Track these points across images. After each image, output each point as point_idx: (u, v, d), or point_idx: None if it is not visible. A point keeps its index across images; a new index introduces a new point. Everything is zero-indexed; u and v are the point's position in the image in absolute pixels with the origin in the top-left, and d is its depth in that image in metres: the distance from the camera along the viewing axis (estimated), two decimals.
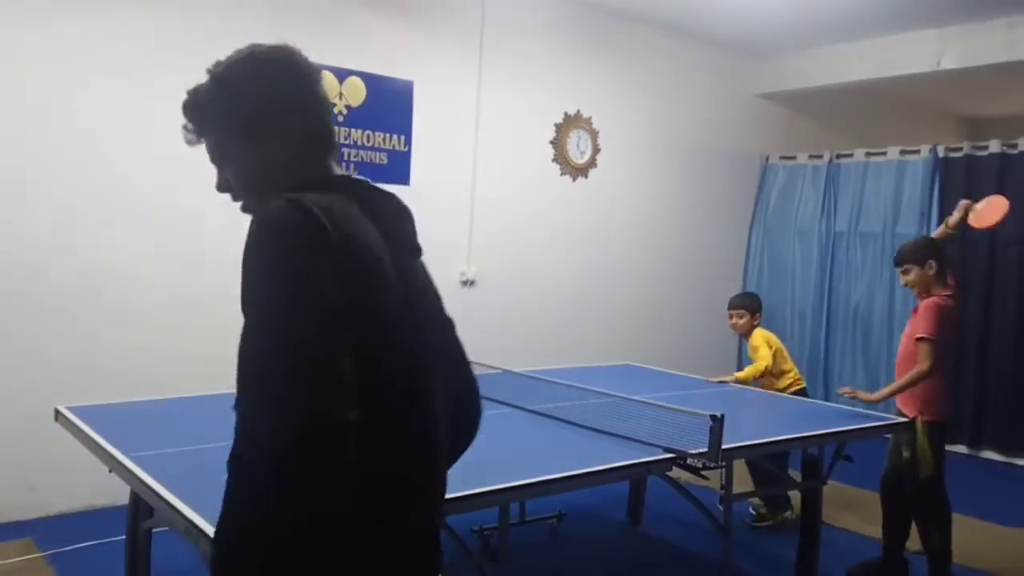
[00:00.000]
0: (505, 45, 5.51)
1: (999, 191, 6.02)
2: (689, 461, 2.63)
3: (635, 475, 3.40)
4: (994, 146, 6.13)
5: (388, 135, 5.02)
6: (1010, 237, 5.96)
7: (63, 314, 4.09)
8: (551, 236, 5.92)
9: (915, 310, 3.66)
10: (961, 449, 6.16)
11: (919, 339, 3.51)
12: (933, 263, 3.59)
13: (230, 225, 4.78)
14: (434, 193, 5.27)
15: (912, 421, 3.58)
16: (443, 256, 5.38)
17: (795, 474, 3.70)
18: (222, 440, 2.60)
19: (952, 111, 9.30)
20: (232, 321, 4.64)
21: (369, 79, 4.91)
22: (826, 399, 6.61)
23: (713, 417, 2.61)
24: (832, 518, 4.22)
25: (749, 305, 4.63)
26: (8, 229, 3.91)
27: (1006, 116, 8.96)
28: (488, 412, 3.25)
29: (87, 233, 4.10)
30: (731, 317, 4.62)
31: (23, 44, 3.88)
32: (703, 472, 2.65)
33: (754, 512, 4.38)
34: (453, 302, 5.80)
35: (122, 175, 4.18)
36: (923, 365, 3.50)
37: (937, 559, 3.65)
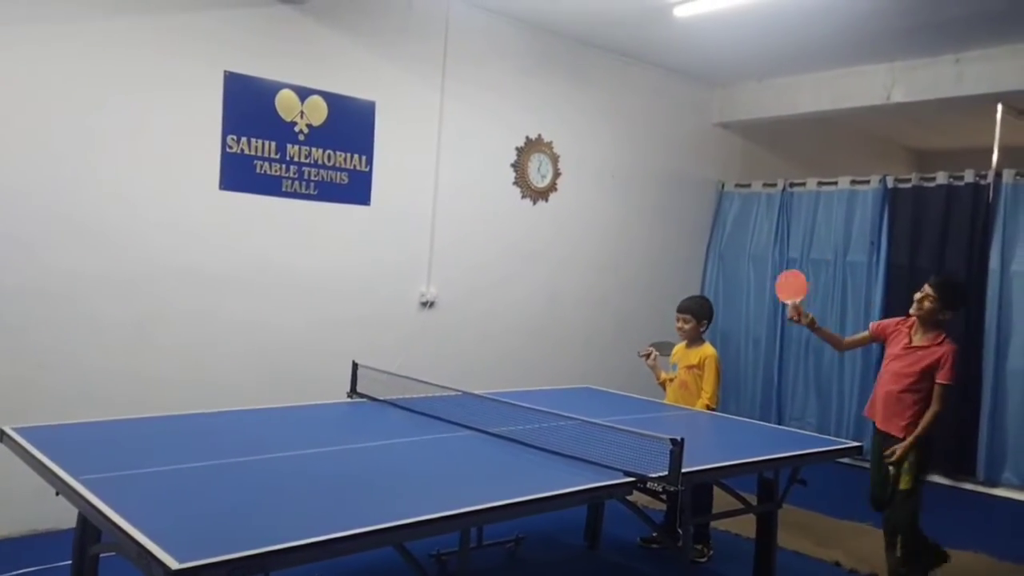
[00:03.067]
0: (468, 68, 5.54)
1: (945, 221, 6.24)
2: (649, 485, 2.64)
3: (596, 499, 3.40)
4: (941, 178, 6.31)
5: (349, 155, 5.00)
6: (957, 266, 6.14)
7: (7, 333, 3.97)
8: (511, 259, 5.94)
9: (914, 346, 3.88)
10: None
11: (943, 385, 3.79)
12: (949, 313, 3.88)
13: (179, 244, 4.74)
14: (395, 214, 5.26)
15: (900, 439, 3.83)
16: (403, 277, 5.37)
17: (750, 497, 3.73)
18: (173, 463, 2.56)
19: (902, 143, 9.59)
20: (186, 340, 4.58)
21: (331, 98, 4.89)
22: (779, 423, 6.72)
23: (673, 441, 2.62)
24: (785, 541, 4.27)
25: (697, 311, 4.44)
26: None
27: (953, 149, 9.26)
28: (447, 435, 3.27)
29: (33, 250, 4.00)
30: (678, 320, 4.46)
31: None
32: (662, 496, 2.66)
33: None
34: (413, 323, 5.84)
35: (68, 191, 4.08)
36: (940, 407, 3.80)
37: (900, 568, 3.86)
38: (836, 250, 6.78)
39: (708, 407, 4.32)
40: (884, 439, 3.93)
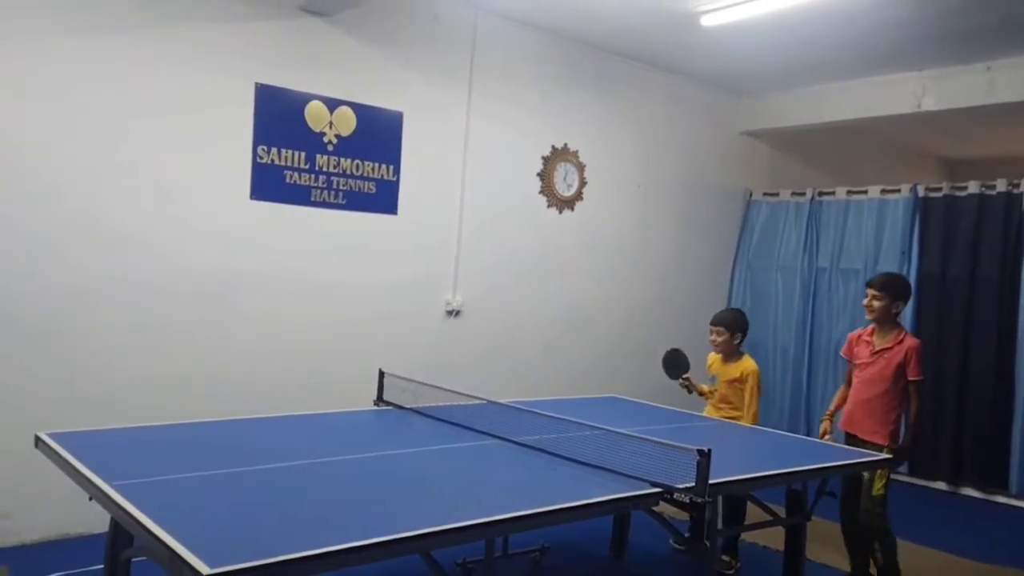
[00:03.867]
0: (494, 78, 5.57)
1: (977, 231, 6.16)
2: (676, 496, 2.62)
3: (622, 509, 3.39)
4: (973, 187, 6.24)
5: (377, 165, 5.05)
6: (988, 276, 6.06)
7: (42, 340, 4.04)
8: (537, 268, 5.95)
9: (879, 350, 3.96)
10: (941, 486, 6.19)
11: (915, 381, 3.87)
12: (901, 304, 3.97)
13: (209, 252, 4.81)
14: (421, 223, 5.29)
15: (880, 448, 3.86)
16: (429, 286, 5.40)
17: (779, 509, 3.70)
18: (202, 469, 2.60)
19: (932, 152, 9.47)
20: (214, 348, 4.65)
21: (359, 109, 4.94)
22: (807, 434, 6.64)
23: (700, 452, 2.61)
24: (814, 554, 4.21)
25: (730, 323, 4.40)
26: None
27: (985, 158, 9.14)
28: (472, 443, 3.28)
29: (62, 256, 4.07)
30: (711, 333, 4.43)
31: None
32: (689, 507, 2.64)
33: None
34: (438, 332, 5.87)
35: (98, 199, 4.16)
36: (919, 403, 3.89)
37: (885, 573, 3.93)
38: (866, 260, 6.71)
39: (750, 424, 4.31)
40: (862, 447, 3.90)
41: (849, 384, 4.16)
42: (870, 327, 4.06)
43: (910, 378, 3.87)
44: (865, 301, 3.99)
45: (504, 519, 2.34)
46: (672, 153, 6.78)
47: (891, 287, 3.95)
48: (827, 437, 4.13)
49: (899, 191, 6.59)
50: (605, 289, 6.40)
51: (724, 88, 7.08)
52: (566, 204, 6.09)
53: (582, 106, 6.12)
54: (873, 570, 4.03)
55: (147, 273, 4.29)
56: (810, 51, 5.89)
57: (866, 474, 3.86)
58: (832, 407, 4.26)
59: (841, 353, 4.31)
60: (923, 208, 6.45)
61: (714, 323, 4.44)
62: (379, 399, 4.01)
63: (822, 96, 6.80)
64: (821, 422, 4.26)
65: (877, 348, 3.97)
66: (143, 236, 4.27)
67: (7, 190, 3.89)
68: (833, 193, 7.01)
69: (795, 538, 3.67)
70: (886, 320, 3.96)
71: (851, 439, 4.04)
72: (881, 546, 3.93)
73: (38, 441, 2.83)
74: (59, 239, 4.04)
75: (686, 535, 3.29)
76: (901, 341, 3.91)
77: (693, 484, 2.62)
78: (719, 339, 4.40)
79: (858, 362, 4.07)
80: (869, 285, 4.01)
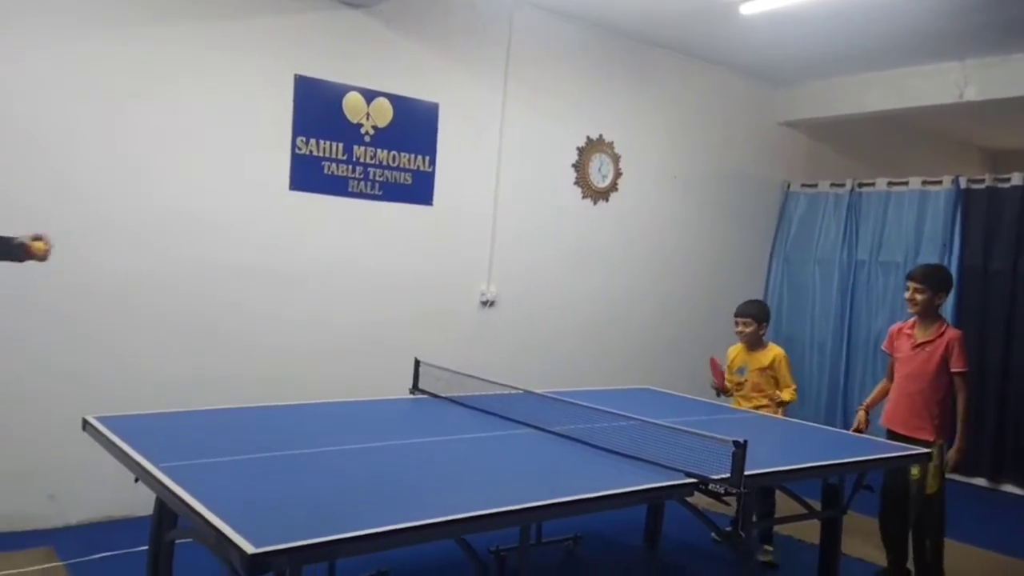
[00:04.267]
0: (530, 68, 5.58)
1: (1020, 223, 6.04)
2: (711, 487, 2.63)
3: (657, 499, 3.39)
4: (1016, 179, 6.11)
5: (413, 156, 5.08)
6: None
7: (89, 325, 4.15)
8: (571, 259, 5.95)
9: (920, 343, 3.90)
10: (981, 482, 6.10)
11: (961, 373, 3.78)
12: (943, 296, 3.91)
13: (250, 242, 4.88)
14: (457, 214, 5.33)
15: (930, 444, 3.76)
16: (464, 276, 5.43)
17: (814, 503, 3.68)
18: (243, 453, 2.65)
19: (975, 143, 9.29)
20: (254, 337, 4.72)
21: (396, 100, 4.98)
22: (845, 428, 6.57)
23: (736, 443, 2.61)
24: (850, 548, 4.19)
25: (756, 314, 4.51)
26: None
27: None
28: (507, 432, 3.30)
29: (116, 244, 4.17)
30: (737, 324, 4.52)
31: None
32: (724, 498, 2.65)
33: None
34: (473, 322, 5.90)
35: (154, 187, 4.25)
36: (967, 394, 3.80)
37: (930, 571, 3.85)
38: (907, 252, 6.60)
39: (790, 399, 4.40)
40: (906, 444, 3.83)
41: (891, 379, 4.10)
42: (911, 320, 4.01)
43: (954, 370, 3.79)
44: (907, 294, 3.93)
45: (539, 506, 2.37)
46: (708, 144, 6.73)
47: (933, 279, 3.90)
48: (862, 429, 4.06)
49: (940, 182, 6.48)
50: (639, 281, 6.38)
51: (762, 78, 7.01)
52: (601, 196, 6.09)
53: (617, 96, 6.10)
54: (911, 566, 3.98)
55: (188, 264, 4.37)
56: (850, 40, 5.81)
57: (915, 471, 3.75)
58: (869, 399, 4.22)
59: (882, 347, 4.26)
60: (965, 200, 6.33)
61: (741, 315, 4.54)
62: (415, 387, 4.05)
63: (862, 86, 6.70)
64: (856, 412, 4.20)
65: (919, 341, 3.91)
66: (183, 227, 4.35)
67: (50, 182, 3.99)
68: (873, 184, 6.91)
69: (831, 532, 3.65)
70: (928, 313, 3.90)
71: (893, 436, 3.95)
72: (932, 543, 3.86)
73: (85, 424, 2.91)
74: (100, 231, 4.13)
75: (727, 529, 3.29)
76: (942, 333, 3.86)
77: (728, 475, 2.62)
78: (747, 330, 4.49)
79: (899, 356, 4.01)
80: (910, 278, 3.95)
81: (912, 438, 3.83)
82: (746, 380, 4.51)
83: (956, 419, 3.84)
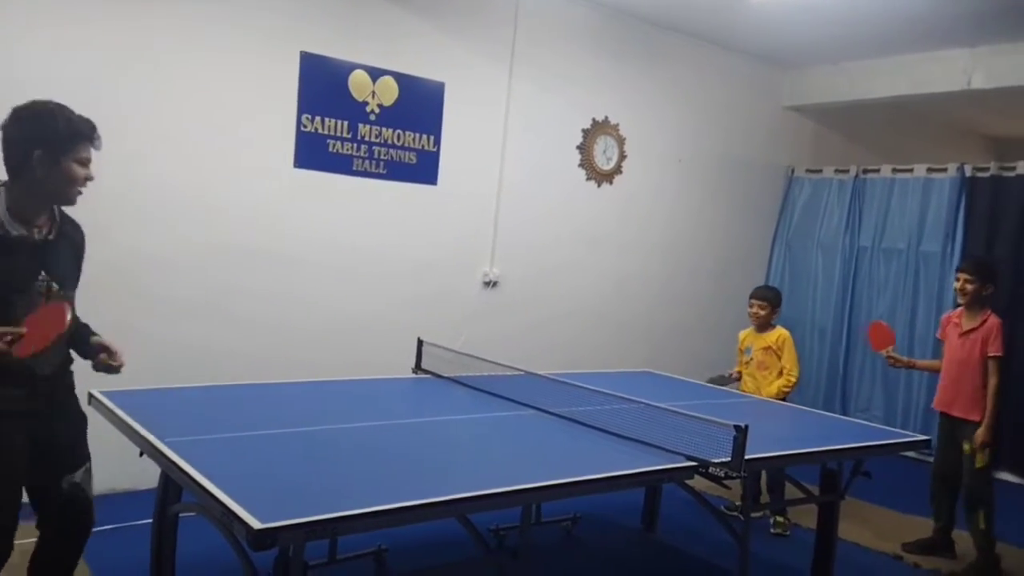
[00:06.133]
0: (536, 50, 5.55)
1: None
2: (711, 470, 2.65)
3: (658, 481, 3.42)
4: (1021, 167, 6.09)
5: (418, 135, 5.07)
6: None
7: (94, 300, 4.15)
8: (575, 241, 5.95)
9: (967, 331, 4.12)
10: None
11: (995, 357, 4.01)
12: (991, 287, 4.12)
13: (254, 220, 4.86)
14: (461, 194, 5.32)
15: (976, 423, 4.03)
16: (467, 257, 5.44)
17: (812, 487, 3.70)
18: (246, 430, 2.67)
19: (980, 131, 9.25)
20: (257, 315, 4.68)
21: (402, 79, 4.97)
22: (843, 414, 6.60)
23: (737, 427, 2.63)
24: (846, 532, 4.22)
25: (773, 299, 4.76)
26: None
27: None
28: (509, 413, 3.33)
29: (119, 221, 4.17)
30: (752, 306, 4.73)
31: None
32: (725, 481, 2.67)
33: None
34: (476, 302, 5.88)
35: (157, 165, 4.25)
36: (997, 379, 4.01)
37: (985, 540, 4.04)
38: (910, 239, 6.60)
39: (792, 382, 4.59)
40: (958, 425, 4.12)
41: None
42: (959, 310, 4.24)
43: (989, 354, 4.02)
44: (957, 285, 4.15)
45: (542, 486, 2.39)
46: (713, 128, 6.71)
47: (983, 270, 4.13)
48: (894, 357, 4.35)
49: (945, 170, 6.47)
50: (642, 264, 6.39)
51: (768, 62, 6.98)
52: (605, 178, 6.08)
53: (623, 79, 6.08)
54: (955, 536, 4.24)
55: (191, 242, 4.37)
56: (858, 25, 5.77)
57: (967, 447, 4.03)
58: (920, 362, 4.75)
59: (937, 335, 4.52)
60: (969, 188, 6.32)
61: (758, 297, 4.78)
62: (417, 367, 4.07)
63: (869, 71, 6.67)
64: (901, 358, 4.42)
65: (965, 329, 4.13)
66: (186, 205, 4.35)
67: None
68: (878, 171, 6.90)
69: (828, 516, 3.68)
70: (977, 303, 4.11)
71: (945, 418, 4.22)
72: (985, 514, 4.03)
73: (91, 398, 2.93)
74: (103, 209, 4.11)
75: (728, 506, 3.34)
76: (985, 321, 4.08)
77: (729, 459, 2.64)
78: (761, 312, 4.72)
79: (947, 344, 4.27)
80: (961, 270, 4.18)
81: (962, 419, 4.09)
82: (751, 359, 4.72)
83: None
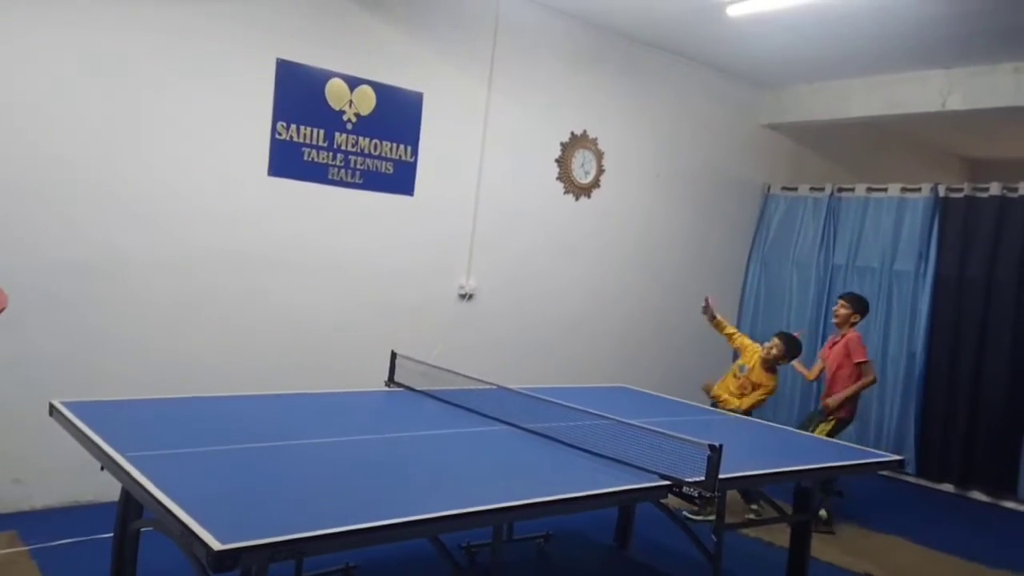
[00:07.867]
0: (516, 62, 5.54)
1: (998, 233, 6.10)
2: (685, 489, 2.62)
3: (632, 500, 3.40)
4: (995, 188, 6.17)
5: (395, 145, 5.03)
6: (1006, 279, 6.01)
7: (56, 309, 4.07)
8: (551, 254, 5.93)
9: (834, 343, 5.22)
10: (948, 488, 6.17)
11: (862, 363, 5.02)
12: (858, 317, 5.18)
13: (226, 228, 4.80)
14: (437, 205, 5.28)
15: (831, 414, 4.99)
16: (443, 269, 5.40)
17: (786, 505, 3.69)
18: (213, 444, 2.61)
19: (955, 151, 9.37)
20: (230, 323, 4.65)
21: (380, 89, 4.93)
22: None
23: (711, 447, 2.61)
24: (819, 552, 4.22)
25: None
26: (2, 222, 3.89)
27: (1008, 159, 9.03)
28: (482, 428, 3.28)
29: (83, 228, 4.08)
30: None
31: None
32: (698, 501, 2.64)
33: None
34: (451, 315, 5.85)
35: (131, 170, 4.17)
36: (871, 379, 5.11)
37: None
38: (883, 258, 6.65)
39: (736, 407, 4.87)
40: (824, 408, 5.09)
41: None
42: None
43: (855, 360, 5.02)
44: (835, 308, 5.19)
45: (513, 506, 2.35)
46: (691, 144, 6.73)
47: (856, 303, 5.19)
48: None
49: (919, 190, 6.53)
50: (618, 279, 6.38)
51: (747, 80, 7.02)
52: (583, 191, 6.07)
53: (602, 93, 6.08)
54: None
55: (162, 248, 4.30)
56: (836, 45, 5.82)
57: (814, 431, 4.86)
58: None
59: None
60: (943, 208, 6.39)
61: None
62: (390, 380, 4.02)
63: (846, 91, 6.73)
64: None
65: (835, 342, 5.23)
66: (158, 210, 4.27)
67: (28, 164, 3.90)
68: (853, 190, 6.95)
69: (800, 536, 3.67)
70: (845, 325, 5.15)
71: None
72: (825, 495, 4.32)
73: (52, 410, 2.85)
74: (73, 213, 4.05)
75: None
76: (845, 335, 5.14)
77: (703, 478, 2.61)
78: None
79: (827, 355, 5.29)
80: (840, 298, 5.27)
81: (827, 407, 5.07)
82: (743, 376, 5.05)
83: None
